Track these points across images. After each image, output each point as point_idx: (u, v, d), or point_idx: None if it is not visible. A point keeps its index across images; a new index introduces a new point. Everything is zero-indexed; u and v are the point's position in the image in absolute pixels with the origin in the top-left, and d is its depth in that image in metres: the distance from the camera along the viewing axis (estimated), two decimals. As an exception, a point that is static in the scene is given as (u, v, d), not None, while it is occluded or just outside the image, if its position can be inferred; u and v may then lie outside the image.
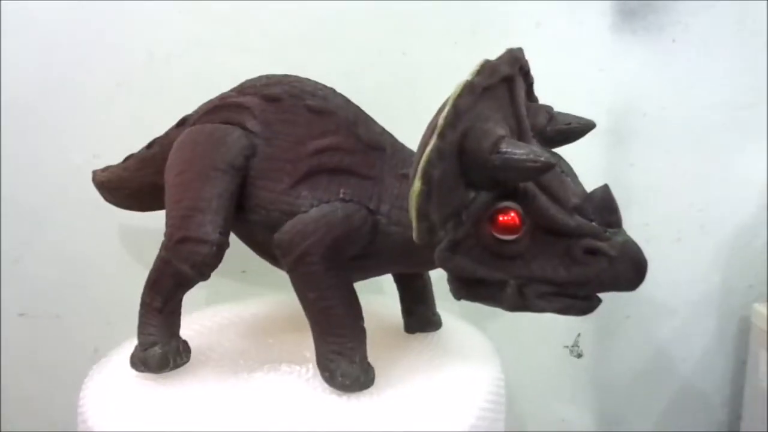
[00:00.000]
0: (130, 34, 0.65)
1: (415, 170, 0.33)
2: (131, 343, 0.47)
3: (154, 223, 0.67)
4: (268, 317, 0.54)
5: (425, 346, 0.48)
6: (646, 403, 0.73)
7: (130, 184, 0.56)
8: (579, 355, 0.71)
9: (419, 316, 0.50)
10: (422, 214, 0.33)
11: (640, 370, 0.72)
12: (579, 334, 0.71)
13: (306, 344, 0.48)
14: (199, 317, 0.53)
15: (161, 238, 0.68)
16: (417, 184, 0.33)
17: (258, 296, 0.58)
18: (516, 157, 0.33)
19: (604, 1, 0.64)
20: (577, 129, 0.40)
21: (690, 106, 0.66)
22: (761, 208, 0.67)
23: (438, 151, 0.33)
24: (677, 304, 0.70)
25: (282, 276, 0.55)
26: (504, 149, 0.33)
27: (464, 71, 0.63)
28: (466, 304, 0.52)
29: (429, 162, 0.32)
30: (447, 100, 0.34)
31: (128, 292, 0.69)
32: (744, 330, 0.70)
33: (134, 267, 0.70)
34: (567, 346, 0.71)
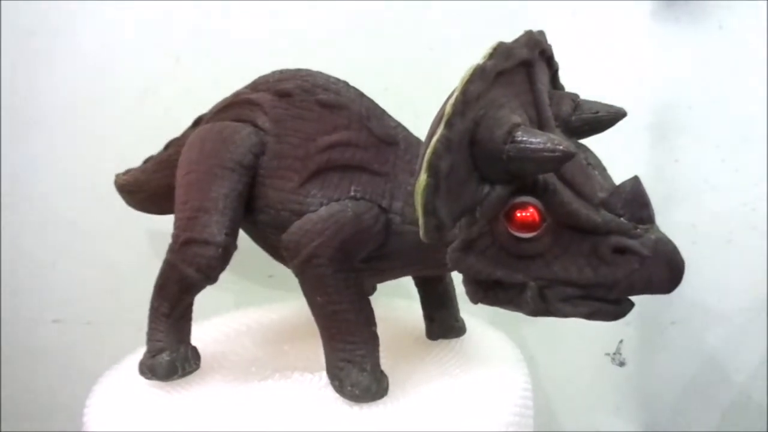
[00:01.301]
0: (157, 39, 0.65)
1: (421, 162, 0.31)
2: (142, 350, 0.46)
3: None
4: (288, 323, 0.52)
5: (446, 354, 0.45)
6: (696, 416, 0.68)
7: (148, 187, 0.55)
8: (621, 364, 0.67)
9: (441, 321, 0.47)
10: (429, 210, 0.30)
11: (689, 381, 0.67)
12: (621, 341, 0.67)
13: (321, 351, 0.46)
14: (218, 323, 0.52)
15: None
16: (423, 177, 0.30)
17: (279, 301, 0.57)
18: (532, 146, 0.30)
19: (643, -14, 0.60)
20: (605, 118, 0.36)
21: (738, 97, 0.61)
22: (821, 206, 0.62)
23: (446, 141, 0.30)
24: (728, 309, 0.65)
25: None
26: (519, 138, 0.30)
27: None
28: (494, 309, 0.49)
29: (435, 153, 0.30)
30: (456, 87, 0.31)
31: None
32: (803, 338, 0.64)
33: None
34: (608, 354, 0.67)
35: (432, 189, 0.30)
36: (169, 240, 0.66)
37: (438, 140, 0.30)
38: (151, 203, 0.57)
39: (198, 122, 0.50)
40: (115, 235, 0.69)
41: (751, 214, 0.63)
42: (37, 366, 0.73)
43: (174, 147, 0.52)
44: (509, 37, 0.56)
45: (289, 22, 0.64)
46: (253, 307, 0.56)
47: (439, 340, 0.47)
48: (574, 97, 0.37)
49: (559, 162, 0.30)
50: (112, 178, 0.65)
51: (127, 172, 0.58)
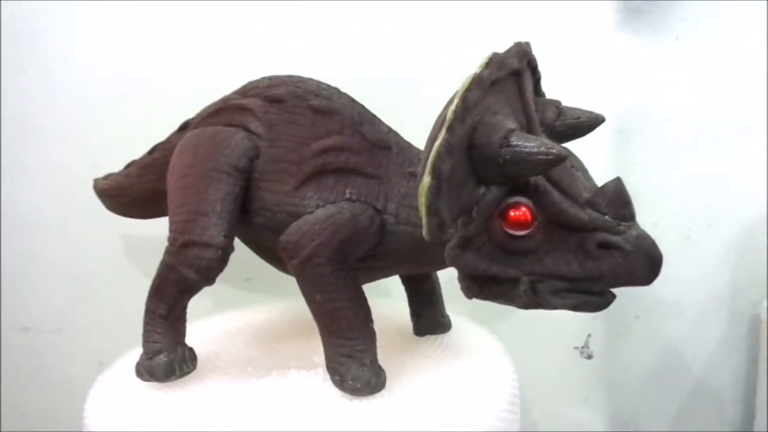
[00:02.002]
0: (130, 44, 0.65)
1: (424, 165, 0.33)
2: (135, 352, 0.46)
3: (157, 232, 0.67)
4: (275, 324, 0.53)
5: (435, 349, 0.47)
6: (658, 403, 0.72)
7: (132, 191, 0.55)
8: (589, 356, 0.70)
9: (428, 318, 0.49)
10: (432, 210, 0.32)
11: (651, 370, 0.71)
12: (589, 335, 0.70)
13: (314, 349, 0.47)
14: (204, 325, 0.53)
15: (163, 248, 0.68)
16: (426, 179, 0.32)
17: (263, 303, 0.58)
18: (527, 150, 0.32)
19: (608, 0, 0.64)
20: (585, 123, 0.40)
21: (695, 104, 0.65)
22: (769, 205, 0.67)
23: (447, 145, 0.32)
24: (687, 302, 0.69)
25: (286, 283, 0.54)
26: (514, 142, 0.32)
27: (466, 72, 0.63)
28: (473, 306, 0.52)
29: (438, 156, 0.32)
30: (455, 94, 0.33)
31: (132, 304, 0.68)
32: (755, 327, 0.69)
33: (138, 278, 0.68)
34: (577, 348, 0.70)
35: (435, 190, 0.32)
36: (140, 245, 0.68)
37: (441, 144, 0.32)
38: (134, 208, 0.57)
39: (185, 127, 0.51)
40: (86, 241, 0.68)
41: (707, 213, 0.68)
42: (4, 375, 0.71)
43: (159, 151, 0.52)
44: (483, 44, 0.60)
45: (267, 27, 0.65)
46: (236, 310, 0.57)
47: (426, 336, 0.49)
48: (557, 104, 0.40)
49: (552, 164, 0.32)
50: (84, 183, 0.65)
51: (108, 176, 0.58)
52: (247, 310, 0.56)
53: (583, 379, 0.71)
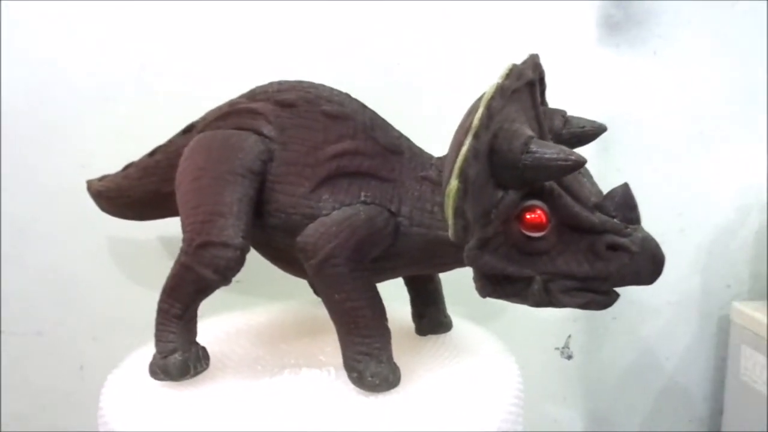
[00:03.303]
0: (121, 45, 0.65)
1: (451, 170, 0.34)
2: (143, 352, 0.46)
3: (141, 235, 0.67)
4: (277, 324, 0.54)
5: (440, 347, 0.48)
6: (633, 401, 0.75)
7: (131, 193, 0.55)
8: (569, 357, 0.73)
9: (431, 318, 0.51)
10: (459, 212, 0.34)
11: (627, 369, 0.74)
12: (569, 336, 0.73)
13: (320, 348, 0.48)
14: (207, 326, 0.53)
15: (148, 250, 0.68)
16: (454, 183, 0.34)
17: (262, 305, 0.58)
18: (547, 156, 0.34)
19: (591, 16, 0.67)
20: (590, 132, 0.42)
21: (670, 115, 0.69)
22: (739, 212, 0.71)
23: (474, 151, 0.34)
24: (660, 304, 0.73)
25: (277, 286, 0.56)
26: (534, 149, 0.35)
27: (457, 83, 0.65)
28: (460, 307, 0.54)
29: (466, 161, 0.34)
30: (479, 102, 0.35)
31: (115, 306, 0.69)
32: (724, 328, 0.73)
33: (122, 281, 0.69)
34: (558, 348, 0.73)
35: (462, 193, 0.34)
36: (124, 247, 0.68)
37: (468, 150, 0.33)
38: (132, 209, 0.57)
39: (189, 129, 0.51)
40: (67, 243, 0.68)
41: (679, 218, 0.72)
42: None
43: (162, 153, 0.53)
44: (472, 57, 0.63)
45: (254, 33, 0.65)
46: (235, 311, 0.57)
47: (429, 336, 0.50)
48: (563, 113, 0.42)
49: (570, 170, 0.35)
50: (67, 185, 0.65)
51: (103, 178, 0.58)
52: (246, 311, 0.57)
53: (563, 379, 0.74)
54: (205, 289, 0.43)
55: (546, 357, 0.73)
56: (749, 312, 0.69)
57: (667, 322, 0.74)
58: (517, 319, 0.68)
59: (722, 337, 0.73)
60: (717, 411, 0.75)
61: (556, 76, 0.67)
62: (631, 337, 0.74)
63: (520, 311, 0.58)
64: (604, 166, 0.69)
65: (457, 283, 0.52)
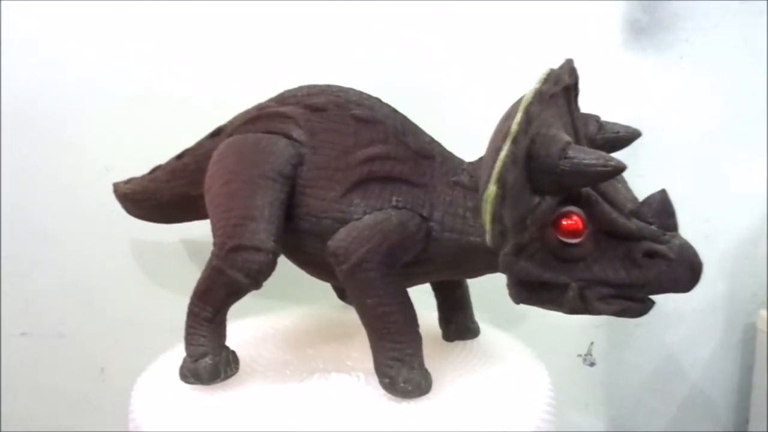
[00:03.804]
0: (145, 48, 0.65)
1: (489, 175, 0.34)
2: (171, 354, 0.46)
3: (163, 238, 0.67)
4: (302, 329, 0.54)
5: (468, 353, 0.48)
6: (656, 409, 0.75)
7: (159, 196, 0.55)
8: (592, 364, 0.73)
9: (458, 324, 0.50)
10: (497, 218, 0.34)
11: (651, 377, 0.74)
12: (592, 343, 0.72)
13: (347, 353, 0.48)
14: (232, 330, 0.52)
15: (170, 254, 0.68)
16: (492, 188, 0.33)
17: (286, 309, 0.58)
18: (586, 161, 0.34)
19: (617, 20, 0.67)
20: (624, 137, 0.42)
21: (695, 119, 0.69)
22: (764, 219, 0.70)
23: (512, 156, 0.33)
24: (685, 311, 0.72)
25: (300, 290, 0.56)
26: (572, 154, 0.34)
27: (482, 88, 0.65)
28: (484, 312, 0.53)
29: (504, 166, 0.33)
30: (517, 107, 0.35)
31: (137, 310, 0.69)
32: (749, 336, 0.72)
33: (144, 284, 0.69)
34: (580, 355, 0.73)
35: (500, 199, 0.34)
36: (145, 250, 0.68)
37: (507, 155, 0.33)
38: (159, 212, 0.57)
39: (217, 133, 0.51)
40: (89, 246, 0.68)
41: (705, 225, 0.71)
42: (3, 380, 0.70)
43: (190, 156, 0.53)
44: (497, 62, 0.62)
45: (279, 38, 0.65)
46: (259, 316, 0.57)
47: (456, 342, 0.50)
48: (597, 119, 0.42)
49: (610, 175, 0.34)
50: (89, 188, 0.65)
51: (130, 181, 0.58)
52: (271, 315, 0.56)
53: (585, 386, 0.74)
54: (236, 293, 0.42)
55: (568, 363, 0.73)
56: (776, 320, 0.68)
57: (691, 329, 0.73)
58: (540, 325, 0.67)
59: (748, 345, 0.72)
60: (742, 420, 0.74)
61: (582, 80, 0.67)
62: (655, 344, 0.73)
63: (542, 317, 0.58)
64: (628, 172, 0.68)
65: (480, 289, 0.52)
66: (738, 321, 0.73)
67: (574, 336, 0.72)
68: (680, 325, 0.73)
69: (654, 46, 0.67)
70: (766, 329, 0.68)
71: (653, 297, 0.38)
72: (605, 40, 0.67)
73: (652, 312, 0.71)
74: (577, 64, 0.66)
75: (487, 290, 0.53)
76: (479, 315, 0.53)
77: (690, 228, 0.69)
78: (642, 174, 0.69)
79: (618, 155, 0.69)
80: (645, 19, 0.67)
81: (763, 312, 0.70)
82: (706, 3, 0.67)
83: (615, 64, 0.67)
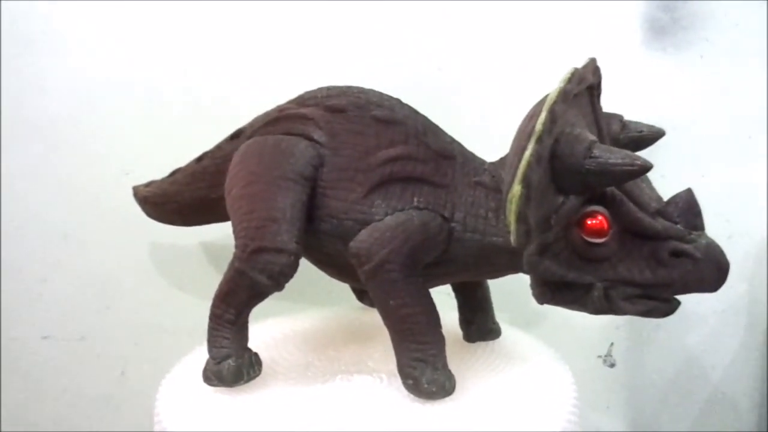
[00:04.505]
0: (164, 49, 0.66)
1: (513, 174, 0.34)
2: (193, 357, 0.47)
3: (182, 241, 0.68)
4: (322, 330, 0.54)
5: (490, 354, 0.48)
6: (678, 410, 0.74)
7: (179, 198, 0.56)
8: (612, 365, 0.72)
9: (479, 325, 0.50)
10: (521, 218, 0.34)
11: (671, 378, 0.73)
12: (612, 344, 0.72)
13: (368, 355, 0.48)
14: (253, 332, 0.52)
15: (189, 257, 0.69)
16: (517, 188, 0.33)
17: (305, 311, 0.58)
18: (612, 161, 0.34)
19: (636, 19, 0.66)
20: (648, 136, 0.42)
21: (716, 119, 0.68)
22: (787, 219, 0.70)
23: (537, 155, 0.33)
24: (706, 313, 0.72)
25: (318, 292, 0.57)
26: (597, 154, 0.34)
27: (500, 87, 0.64)
28: (504, 313, 0.53)
29: (529, 165, 0.33)
30: (541, 106, 0.35)
31: (156, 312, 0.70)
32: (772, 337, 0.71)
33: (163, 287, 0.70)
34: (600, 356, 0.72)
35: (525, 199, 0.33)
36: (165, 254, 0.68)
37: (531, 155, 0.33)
38: (179, 215, 0.58)
39: (237, 135, 0.51)
40: (109, 249, 0.69)
41: (726, 225, 0.70)
42: (25, 383, 0.71)
43: (209, 159, 0.53)
44: (514, 63, 0.62)
45: (296, 43, 0.66)
46: (277, 317, 0.57)
47: (477, 343, 0.50)
48: (620, 118, 0.42)
49: (636, 175, 0.34)
50: (110, 191, 0.66)
51: (150, 184, 0.59)
52: (290, 317, 0.56)
53: (606, 388, 0.73)
54: (258, 295, 0.43)
55: (588, 364, 0.72)
56: (799, 321, 0.67)
57: (713, 331, 0.72)
58: (559, 326, 0.67)
59: (770, 347, 0.72)
60: (764, 422, 0.73)
61: (602, 79, 0.67)
62: (675, 345, 0.72)
63: (561, 318, 0.58)
64: (649, 172, 0.68)
65: (499, 289, 0.52)
66: (759, 322, 0.72)
67: (594, 337, 0.72)
68: (701, 326, 0.72)
69: (674, 46, 0.67)
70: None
71: (679, 297, 0.38)
72: (625, 39, 0.67)
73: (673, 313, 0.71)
74: (598, 64, 0.66)
75: (507, 292, 0.52)
76: (499, 316, 0.53)
77: (711, 228, 0.68)
78: (663, 174, 0.68)
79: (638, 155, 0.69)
80: (665, 18, 0.67)
81: (786, 313, 0.69)
82: (726, 2, 0.66)
83: (635, 63, 0.67)
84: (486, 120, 0.65)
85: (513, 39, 0.66)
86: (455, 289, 0.50)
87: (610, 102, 0.67)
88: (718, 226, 0.69)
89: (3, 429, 0.71)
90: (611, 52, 0.66)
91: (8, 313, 0.69)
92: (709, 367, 0.73)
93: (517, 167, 0.34)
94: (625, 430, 0.74)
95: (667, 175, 0.68)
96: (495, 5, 0.66)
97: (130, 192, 0.61)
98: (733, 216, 0.70)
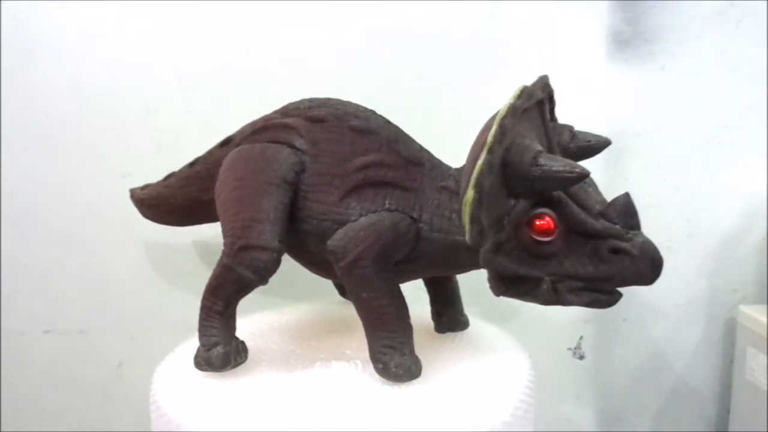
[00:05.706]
0: (160, 59, 0.69)
1: (467, 181, 0.38)
2: (185, 347, 0.51)
3: (176, 240, 0.71)
4: (305, 323, 0.58)
5: (457, 344, 0.52)
6: (643, 401, 0.78)
7: (172, 201, 0.60)
8: (581, 357, 0.77)
9: (449, 317, 0.54)
10: (475, 219, 0.38)
11: (637, 370, 0.77)
12: (581, 337, 0.76)
13: (346, 344, 0.53)
14: (241, 324, 0.57)
15: (182, 255, 0.72)
16: (470, 193, 0.38)
17: (291, 305, 0.62)
18: (555, 168, 0.38)
19: (601, 32, 0.70)
20: (596, 145, 0.46)
21: (678, 126, 0.72)
22: (745, 218, 0.74)
23: (488, 164, 0.38)
24: (669, 307, 0.76)
25: (303, 288, 0.60)
26: (543, 162, 0.38)
27: (471, 98, 0.68)
28: (479, 308, 0.57)
29: (481, 173, 0.38)
30: (493, 120, 0.39)
31: (151, 307, 0.73)
32: (730, 330, 0.76)
33: (158, 283, 0.74)
34: (570, 348, 0.76)
35: (477, 202, 0.38)
36: (160, 251, 0.72)
37: (483, 163, 0.38)
38: (172, 216, 0.62)
39: (227, 142, 0.55)
40: (108, 246, 0.72)
41: (687, 225, 0.75)
42: (26, 376, 0.74)
43: (201, 164, 0.57)
44: (487, 72, 0.65)
45: (284, 50, 0.70)
46: (264, 311, 0.61)
47: (447, 333, 0.54)
48: (570, 129, 0.46)
49: (575, 181, 0.38)
50: (108, 192, 0.69)
51: (146, 187, 0.63)
52: (276, 311, 0.61)
53: (575, 379, 0.77)
54: (244, 288, 0.47)
55: (559, 357, 0.77)
56: (755, 315, 0.71)
57: (675, 325, 0.77)
58: (531, 320, 0.71)
59: (729, 339, 0.76)
60: (724, 410, 0.78)
61: (567, 90, 0.70)
62: (641, 338, 0.77)
63: (533, 312, 0.62)
64: (613, 176, 0.73)
65: (475, 285, 0.56)
66: (719, 316, 0.76)
67: (564, 330, 0.76)
68: (665, 320, 0.76)
69: (637, 57, 0.71)
70: (750, 324, 0.72)
71: (628, 292, 0.42)
72: (590, 51, 0.71)
73: (637, 307, 0.76)
74: (562, 75, 0.70)
75: (484, 289, 0.56)
76: (475, 310, 0.57)
77: (673, 227, 0.75)
78: (627, 177, 0.74)
79: (604, 161, 0.74)
80: (628, 31, 0.71)
81: (743, 307, 0.74)
82: (687, 16, 0.71)
83: (600, 74, 0.71)
84: (457, 128, 0.68)
85: (483, 51, 0.70)
86: (427, 285, 0.55)
87: (576, 111, 0.72)
88: (679, 225, 0.75)
89: (5, 418, 0.74)
90: (577, 64, 0.71)
91: (10, 308, 0.73)
92: (673, 358, 0.77)
93: (471, 174, 0.38)
94: (594, 419, 0.79)
95: (630, 178, 0.74)
96: (466, 19, 0.70)
97: (127, 194, 0.65)
98: (693, 216, 0.74)
